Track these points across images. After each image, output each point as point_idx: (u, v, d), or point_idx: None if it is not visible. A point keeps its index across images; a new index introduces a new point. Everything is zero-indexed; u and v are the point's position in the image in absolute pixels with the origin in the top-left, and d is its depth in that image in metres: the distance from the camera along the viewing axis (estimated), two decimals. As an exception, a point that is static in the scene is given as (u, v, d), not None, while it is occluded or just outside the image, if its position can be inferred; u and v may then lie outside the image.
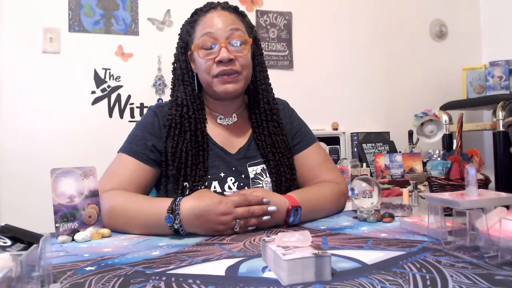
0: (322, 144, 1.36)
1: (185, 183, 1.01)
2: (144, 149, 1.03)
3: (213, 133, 1.09)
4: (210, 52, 1.02)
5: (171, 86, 1.11)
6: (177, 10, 2.52)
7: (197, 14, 1.07)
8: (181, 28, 1.12)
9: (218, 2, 1.08)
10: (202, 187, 1.00)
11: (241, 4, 2.62)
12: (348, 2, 2.89)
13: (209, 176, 1.03)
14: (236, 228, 0.83)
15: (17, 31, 2.28)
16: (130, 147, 1.03)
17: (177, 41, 1.11)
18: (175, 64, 1.10)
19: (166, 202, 0.84)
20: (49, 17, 2.32)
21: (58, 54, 2.34)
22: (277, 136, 1.10)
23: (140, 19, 2.48)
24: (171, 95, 1.10)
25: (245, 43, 1.04)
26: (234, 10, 1.08)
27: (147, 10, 2.49)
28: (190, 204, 0.82)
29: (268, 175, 1.07)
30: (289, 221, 0.89)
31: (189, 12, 1.11)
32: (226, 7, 1.07)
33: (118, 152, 1.05)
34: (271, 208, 0.86)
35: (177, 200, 0.83)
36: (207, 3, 1.08)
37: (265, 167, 1.08)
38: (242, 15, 1.09)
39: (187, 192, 0.99)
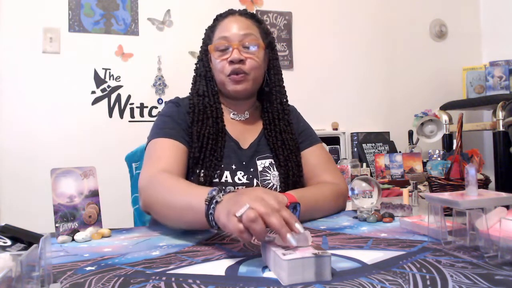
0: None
1: (202, 170, 1.03)
2: (178, 131, 1.06)
3: (227, 126, 1.13)
4: (224, 53, 1.08)
5: (192, 82, 1.17)
6: (177, 10, 2.51)
7: (217, 20, 1.14)
8: (204, 33, 1.18)
9: (238, 9, 1.14)
10: (217, 172, 1.03)
11: (241, 4, 2.62)
12: (348, 2, 2.88)
13: (222, 166, 1.06)
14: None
15: (17, 31, 2.28)
16: (164, 132, 1.05)
17: (201, 44, 1.18)
18: (198, 64, 1.17)
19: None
20: (49, 17, 2.32)
21: (58, 54, 2.34)
22: (287, 134, 1.14)
23: (140, 19, 2.48)
24: (191, 89, 1.15)
25: (257, 47, 1.09)
26: (251, 16, 1.14)
27: (147, 10, 2.49)
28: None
29: (276, 169, 1.10)
30: None
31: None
32: (244, 13, 1.13)
33: (150, 140, 1.05)
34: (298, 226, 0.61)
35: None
36: (228, 10, 1.14)
37: (273, 162, 1.11)
38: (258, 22, 1.15)
39: (202, 175, 1.02)
